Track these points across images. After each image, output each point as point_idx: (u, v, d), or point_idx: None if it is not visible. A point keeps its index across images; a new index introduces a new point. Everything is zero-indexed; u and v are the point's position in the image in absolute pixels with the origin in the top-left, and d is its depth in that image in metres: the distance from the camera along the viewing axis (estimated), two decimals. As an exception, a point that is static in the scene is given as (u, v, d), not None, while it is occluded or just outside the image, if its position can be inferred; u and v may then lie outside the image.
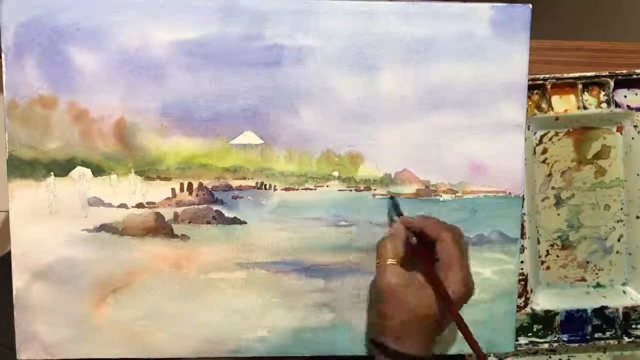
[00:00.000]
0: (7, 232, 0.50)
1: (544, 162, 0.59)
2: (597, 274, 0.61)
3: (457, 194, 0.52)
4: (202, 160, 0.51)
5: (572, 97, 0.59)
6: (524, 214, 0.58)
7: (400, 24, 0.50)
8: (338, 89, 0.51)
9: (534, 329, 0.59)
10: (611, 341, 0.59)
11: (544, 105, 0.58)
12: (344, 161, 0.52)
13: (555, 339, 0.59)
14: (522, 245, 0.57)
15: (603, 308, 0.59)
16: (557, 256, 0.60)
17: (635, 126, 0.59)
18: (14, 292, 0.50)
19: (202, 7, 0.49)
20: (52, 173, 0.50)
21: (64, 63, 0.49)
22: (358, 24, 0.50)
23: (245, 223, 0.52)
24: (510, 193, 0.53)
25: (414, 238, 0.46)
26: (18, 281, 0.50)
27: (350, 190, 0.52)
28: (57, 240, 0.50)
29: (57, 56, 0.49)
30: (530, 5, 0.51)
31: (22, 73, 0.49)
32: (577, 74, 0.58)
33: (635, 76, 0.58)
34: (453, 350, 0.53)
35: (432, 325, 0.44)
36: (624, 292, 0.61)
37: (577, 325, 0.59)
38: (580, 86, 0.58)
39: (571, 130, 0.59)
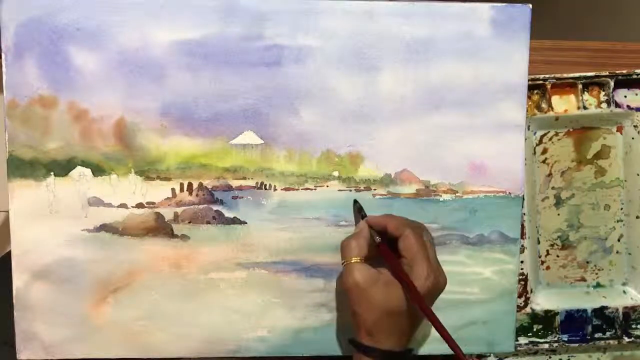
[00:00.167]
0: (7, 232, 0.50)
1: (544, 162, 0.59)
2: (597, 274, 0.61)
3: (457, 194, 0.52)
4: (202, 160, 0.51)
5: (572, 97, 0.59)
6: (524, 214, 0.58)
7: (400, 24, 0.50)
8: (338, 89, 0.51)
9: (534, 329, 0.59)
10: (611, 341, 0.59)
11: (544, 105, 0.58)
12: (344, 161, 0.52)
13: (555, 339, 0.59)
14: (522, 245, 0.57)
15: (603, 308, 0.59)
16: (557, 256, 0.60)
17: (635, 126, 0.59)
18: (14, 292, 0.50)
19: (202, 7, 0.49)
20: (52, 173, 0.50)
21: (64, 63, 0.49)
22: (358, 24, 0.50)
23: (245, 223, 0.52)
24: (510, 193, 0.53)
25: (377, 237, 0.46)
26: (18, 281, 0.50)
27: (350, 190, 0.52)
28: (57, 240, 0.50)
29: (57, 56, 0.49)
30: (530, 5, 0.51)
31: (22, 73, 0.49)
32: (577, 74, 0.58)
33: (635, 76, 0.58)
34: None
35: (405, 320, 0.44)
36: (624, 292, 0.61)
37: (577, 325, 0.59)
38: (580, 86, 0.58)
39: (571, 130, 0.59)
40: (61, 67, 0.49)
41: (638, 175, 0.59)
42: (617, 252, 0.60)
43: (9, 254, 0.50)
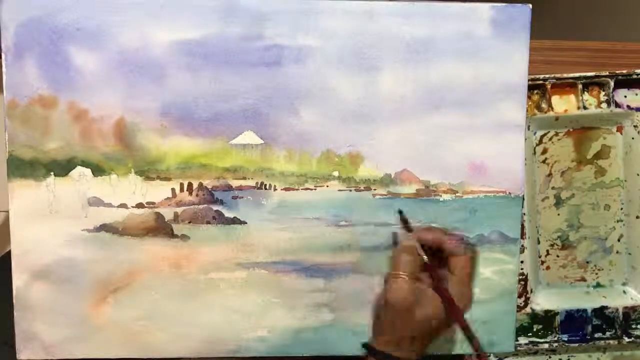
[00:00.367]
0: (7, 232, 0.50)
1: (544, 162, 0.59)
2: (597, 274, 0.61)
3: (457, 194, 0.52)
4: (202, 160, 0.51)
5: (572, 97, 0.59)
6: (524, 214, 0.58)
7: (400, 24, 0.50)
8: (338, 89, 0.51)
9: (534, 329, 0.59)
10: (611, 341, 0.59)
11: (544, 105, 0.58)
12: (344, 161, 0.52)
13: (555, 339, 0.59)
14: (522, 245, 0.57)
15: (603, 308, 0.59)
16: (557, 256, 0.60)
17: (635, 126, 0.59)
18: (14, 292, 0.50)
19: (202, 7, 0.49)
20: (52, 173, 0.50)
21: (64, 63, 0.49)
22: (358, 24, 0.50)
23: (245, 223, 0.52)
24: (510, 193, 0.53)
25: (425, 257, 0.46)
26: (18, 281, 0.50)
27: (350, 190, 0.52)
28: (57, 240, 0.50)
29: (57, 56, 0.49)
30: (530, 5, 0.51)
31: (22, 73, 0.49)
32: (577, 74, 0.58)
33: (635, 76, 0.58)
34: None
35: (432, 335, 0.45)
36: (624, 292, 0.61)
37: (577, 325, 0.59)
38: (580, 86, 0.58)
39: (571, 130, 0.59)
40: (61, 67, 0.49)
41: (638, 175, 0.59)
42: (617, 252, 0.60)
43: (9, 254, 0.50)
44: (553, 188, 0.60)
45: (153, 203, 0.51)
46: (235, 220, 0.52)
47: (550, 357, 0.60)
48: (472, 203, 0.53)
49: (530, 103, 0.58)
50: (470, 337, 0.44)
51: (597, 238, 0.60)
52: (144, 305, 0.51)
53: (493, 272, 0.53)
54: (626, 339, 0.59)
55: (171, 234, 0.51)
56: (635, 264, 0.60)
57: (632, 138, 0.59)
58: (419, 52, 0.51)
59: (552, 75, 0.57)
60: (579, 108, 0.58)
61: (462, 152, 0.52)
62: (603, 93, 0.59)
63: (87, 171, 0.50)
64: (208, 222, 0.52)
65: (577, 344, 0.59)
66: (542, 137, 0.59)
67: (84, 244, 0.51)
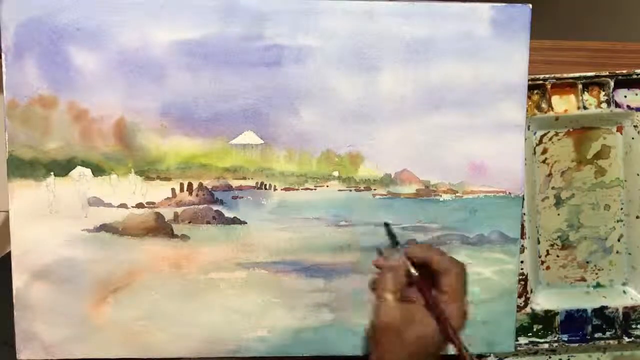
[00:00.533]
0: (7, 232, 0.50)
1: (544, 162, 0.59)
2: (597, 274, 0.61)
3: (457, 194, 0.52)
4: (202, 160, 0.51)
5: (572, 97, 0.59)
6: (524, 214, 0.58)
7: (400, 24, 0.50)
8: (338, 89, 0.51)
9: (534, 329, 0.59)
10: (611, 341, 0.59)
11: (544, 105, 0.58)
12: (344, 161, 0.52)
13: (555, 339, 0.59)
14: (522, 245, 0.57)
15: (603, 308, 0.59)
16: (557, 256, 0.60)
17: (635, 126, 0.59)
18: (14, 292, 0.50)
19: (202, 7, 0.49)
20: (52, 173, 0.50)
21: (64, 63, 0.49)
22: (358, 24, 0.50)
23: (245, 223, 0.52)
24: (510, 193, 0.53)
25: (416, 272, 0.44)
26: (18, 281, 0.50)
27: (350, 190, 0.52)
28: (57, 240, 0.50)
29: (57, 56, 0.49)
30: (530, 5, 0.51)
31: (22, 73, 0.49)
32: (577, 74, 0.58)
33: (635, 76, 0.58)
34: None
35: (429, 355, 0.43)
36: (624, 292, 0.61)
37: (577, 325, 0.59)
38: (580, 86, 0.58)
39: (571, 130, 0.59)
40: (61, 67, 0.49)
41: (638, 175, 0.59)
42: (617, 252, 0.60)
43: (9, 254, 0.50)
44: (553, 188, 0.60)
45: (153, 203, 0.51)
46: (235, 220, 0.52)
47: (550, 357, 0.60)
48: (472, 203, 0.53)
49: (530, 103, 0.58)
50: (462, 356, 0.42)
51: (597, 238, 0.60)
52: (144, 305, 0.51)
53: (493, 272, 0.53)
54: (626, 339, 0.59)
55: (171, 234, 0.51)
56: (635, 264, 0.60)
57: (632, 138, 0.59)
58: (419, 52, 0.51)
59: (552, 75, 0.57)
60: (579, 108, 0.58)
61: (462, 152, 0.52)
62: (603, 93, 0.59)
63: (87, 171, 0.50)
64: (208, 222, 0.52)
65: (577, 344, 0.59)
66: (542, 137, 0.59)
67: (84, 244, 0.51)
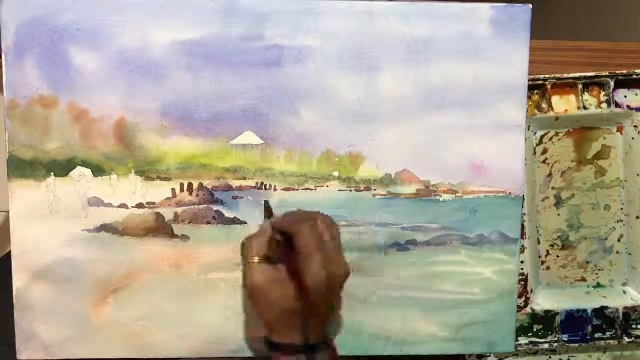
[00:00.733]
0: (7, 232, 0.50)
1: (544, 162, 0.59)
2: (597, 274, 0.61)
3: (457, 194, 0.52)
4: (202, 160, 0.51)
5: (572, 97, 0.59)
6: (524, 214, 0.58)
7: (400, 24, 0.50)
8: (338, 89, 0.51)
9: (534, 329, 0.59)
10: (611, 341, 0.59)
11: (544, 105, 0.58)
12: (344, 161, 0.52)
13: (555, 339, 0.59)
14: (522, 245, 0.57)
15: (603, 308, 0.59)
16: (557, 256, 0.60)
17: (635, 126, 0.59)
18: (14, 292, 0.50)
19: (202, 7, 0.49)
20: (52, 173, 0.50)
21: (64, 63, 0.49)
22: (358, 24, 0.50)
23: (245, 223, 0.52)
24: (510, 193, 0.53)
25: (277, 235, 0.46)
26: (18, 281, 0.50)
27: (350, 190, 0.52)
28: (57, 240, 0.50)
29: (57, 56, 0.49)
30: (530, 5, 0.51)
31: (22, 73, 0.49)
32: (577, 74, 0.58)
33: (635, 76, 0.58)
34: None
35: (303, 315, 0.44)
36: (624, 292, 0.61)
37: (577, 325, 0.59)
38: (580, 86, 0.58)
39: (571, 130, 0.59)
40: (61, 67, 0.49)
41: (638, 175, 0.59)
42: (617, 252, 0.60)
43: (9, 254, 0.50)
44: (553, 188, 0.60)
45: (153, 203, 0.51)
46: (235, 220, 0.52)
47: (550, 357, 0.60)
48: (472, 203, 0.53)
49: (530, 103, 0.58)
50: (315, 323, 0.43)
51: (597, 238, 0.60)
52: (143, 305, 0.51)
53: (493, 272, 0.53)
54: (626, 339, 0.59)
55: (171, 234, 0.51)
56: (635, 264, 0.60)
57: (632, 138, 0.59)
58: (419, 52, 0.51)
59: (552, 75, 0.57)
60: (579, 108, 0.58)
61: (462, 152, 0.52)
62: (603, 93, 0.59)
63: (87, 171, 0.50)
64: (208, 222, 0.52)
65: (577, 344, 0.59)
66: (542, 137, 0.59)
67: (84, 244, 0.51)
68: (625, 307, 0.59)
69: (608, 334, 0.59)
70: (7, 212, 0.50)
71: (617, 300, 0.60)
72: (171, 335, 0.52)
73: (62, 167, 0.50)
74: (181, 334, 0.52)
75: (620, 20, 1.14)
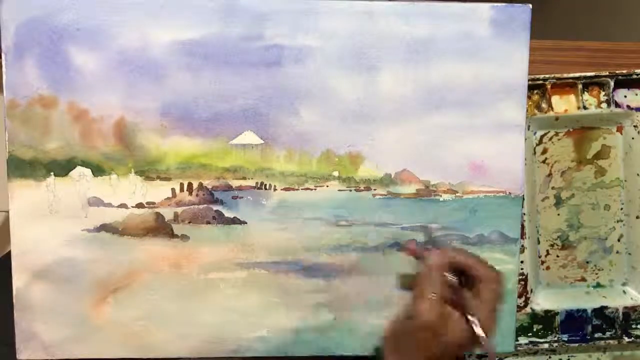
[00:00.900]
0: (7, 232, 0.50)
1: (544, 162, 0.59)
2: (597, 274, 0.61)
3: (457, 194, 0.52)
4: (202, 160, 0.51)
5: (572, 97, 0.59)
6: (524, 214, 0.58)
7: (400, 24, 0.50)
8: (338, 89, 0.51)
9: (534, 329, 0.59)
10: (611, 341, 0.59)
11: (544, 105, 0.58)
12: (344, 161, 0.52)
13: (555, 339, 0.59)
14: (522, 245, 0.57)
15: (603, 308, 0.59)
16: (557, 256, 0.60)
17: (635, 126, 0.59)
18: (14, 292, 0.50)
19: (202, 7, 0.49)
20: (52, 173, 0.50)
21: (64, 63, 0.49)
22: (358, 24, 0.50)
23: (245, 223, 0.52)
24: (510, 193, 0.53)
25: (455, 279, 0.44)
26: (18, 281, 0.50)
27: (350, 190, 0.52)
28: (57, 240, 0.50)
29: (57, 56, 0.49)
30: (530, 5, 0.51)
31: (22, 73, 0.49)
32: (577, 74, 0.58)
33: (635, 76, 0.58)
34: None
35: (455, 355, 0.43)
36: (624, 292, 0.61)
37: (577, 325, 0.59)
38: (580, 86, 0.58)
39: (571, 130, 0.59)
40: (61, 67, 0.49)
41: (638, 175, 0.59)
42: (617, 252, 0.60)
43: (9, 254, 0.50)
44: (553, 188, 0.60)
45: (153, 203, 0.51)
46: (235, 220, 0.52)
47: (550, 357, 0.60)
48: (472, 203, 0.53)
49: (530, 103, 0.58)
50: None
51: (597, 238, 0.60)
52: (143, 305, 0.51)
53: (493, 272, 0.53)
54: (626, 339, 0.59)
55: (171, 234, 0.51)
56: (635, 264, 0.60)
57: (632, 138, 0.59)
58: (419, 52, 0.51)
59: (552, 75, 0.57)
60: (579, 108, 0.58)
61: (462, 152, 0.52)
62: (603, 93, 0.59)
63: (87, 171, 0.50)
64: (208, 222, 0.52)
65: (577, 344, 0.59)
66: (542, 137, 0.59)
67: (84, 244, 0.51)
68: (625, 307, 0.59)
69: (608, 334, 0.59)
70: (7, 212, 0.50)
71: (617, 300, 0.60)
72: (171, 335, 0.52)
73: (62, 167, 0.50)
74: (181, 334, 0.52)
75: (620, 20, 1.14)
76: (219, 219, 0.52)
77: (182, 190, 0.51)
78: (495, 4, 0.51)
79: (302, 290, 0.52)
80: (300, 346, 0.53)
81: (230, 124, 0.51)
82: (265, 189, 0.52)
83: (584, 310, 0.59)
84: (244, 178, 0.52)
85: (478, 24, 0.51)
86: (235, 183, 0.51)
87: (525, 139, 0.53)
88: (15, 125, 0.49)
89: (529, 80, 0.52)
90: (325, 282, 0.52)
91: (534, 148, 0.59)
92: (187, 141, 0.51)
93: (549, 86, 0.58)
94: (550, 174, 0.60)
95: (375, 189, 0.52)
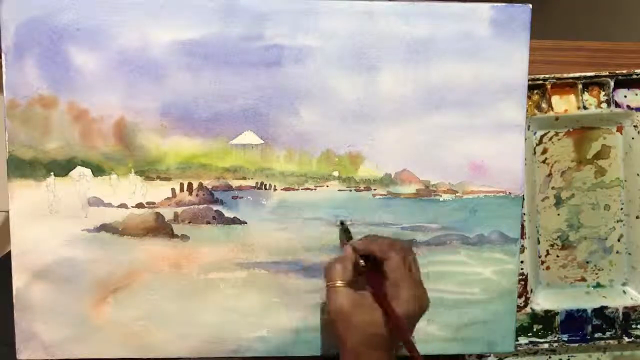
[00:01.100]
0: (7, 232, 0.50)
1: (544, 162, 0.59)
2: (597, 274, 0.61)
3: (457, 194, 0.52)
4: (202, 160, 0.51)
5: (572, 97, 0.59)
6: (524, 214, 0.58)
7: (400, 24, 0.50)
8: (338, 89, 0.51)
9: (534, 329, 0.59)
10: (611, 341, 0.59)
11: (544, 105, 0.58)
12: (344, 161, 0.52)
13: (555, 339, 0.59)
14: (522, 245, 0.57)
15: (603, 308, 0.59)
16: (557, 256, 0.60)
17: (635, 126, 0.59)
18: (14, 292, 0.50)
19: (202, 7, 0.49)
20: (52, 173, 0.50)
21: (64, 63, 0.49)
22: (358, 24, 0.50)
23: (245, 223, 0.52)
24: (510, 193, 0.53)
25: (362, 261, 0.46)
26: (18, 281, 0.50)
27: (350, 190, 0.52)
28: (57, 240, 0.50)
29: (57, 56, 0.49)
30: (530, 5, 0.51)
31: (22, 73, 0.49)
32: (577, 74, 0.58)
33: (635, 76, 0.58)
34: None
35: (388, 341, 0.43)
36: (624, 292, 0.61)
37: (577, 325, 0.59)
38: (580, 86, 0.58)
39: (571, 130, 0.59)
40: (61, 67, 0.49)
41: (638, 175, 0.59)
42: (617, 252, 0.60)
43: (9, 254, 0.50)
44: (553, 188, 0.60)
45: (153, 203, 0.51)
46: (235, 220, 0.52)
47: (550, 357, 0.60)
48: (472, 203, 0.53)
49: (530, 103, 0.58)
50: (410, 350, 0.42)
51: (597, 238, 0.60)
52: (143, 305, 0.51)
53: (493, 272, 0.53)
54: (626, 339, 0.59)
55: (171, 234, 0.51)
56: (635, 264, 0.60)
57: (632, 138, 0.59)
58: (419, 52, 0.51)
59: (552, 75, 0.57)
60: (579, 108, 0.58)
61: (462, 152, 0.52)
62: (603, 93, 0.59)
63: (87, 171, 0.50)
64: (208, 222, 0.52)
65: (577, 344, 0.59)
66: (542, 137, 0.59)
67: (84, 244, 0.51)
68: (625, 307, 0.59)
69: (608, 334, 0.59)
70: (7, 212, 0.50)
71: (617, 300, 0.60)
72: (171, 335, 0.52)
73: (62, 167, 0.50)
74: (181, 334, 0.52)
75: (620, 20, 1.14)
76: (219, 219, 0.52)
77: (182, 190, 0.51)
78: (495, 4, 0.51)
79: (302, 290, 0.52)
80: (300, 346, 0.53)
81: (230, 124, 0.51)
82: (265, 189, 0.52)
83: (584, 310, 0.59)
84: (244, 178, 0.52)
85: (478, 24, 0.51)
86: (235, 183, 0.51)
87: (525, 139, 0.53)
88: (15, 125, 0.49)
89: (529, 80, 0.52)
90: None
91: (534, 148, 0.59)
92: (187, 141, 0.51)
93: (549, 86, 0.58)
94: (550, 174, 0.60)
95: (375, 189, 0.52)
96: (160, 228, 0.51)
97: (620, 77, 0.58)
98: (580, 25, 1.28)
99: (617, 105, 0.58)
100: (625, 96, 0.59)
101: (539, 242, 0.60)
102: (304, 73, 0.50)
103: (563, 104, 0.58)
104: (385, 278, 0.44)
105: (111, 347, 0.51)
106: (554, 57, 0.61)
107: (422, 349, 0.53)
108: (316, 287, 0.52)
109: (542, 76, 0.57)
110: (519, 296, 0.58)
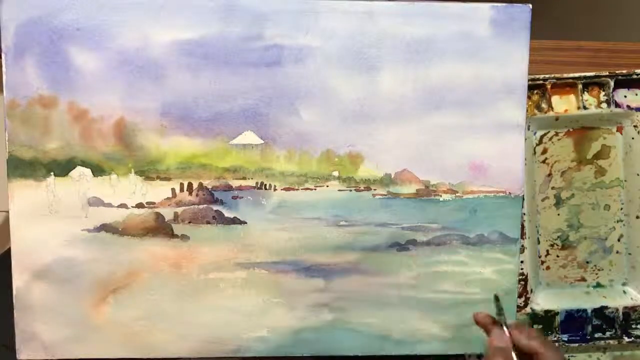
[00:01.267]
0: (7, 232, 0.50)
1: (544, 162, 0.59)
2: (597, 274, 0.61)
3: (457, 194, 0.52)
4: (202, 160, 0.51)
5: (572, 97, 0.59)
6: (524, 214, 0.58)
7: (400, 24, 0.50)
8: (338, 89, 0.51)
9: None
10: (611, 341, 0.59)
11: (544, 105, 0.58)
12: (344, 161, 0.52)
13: (555, 339, 0.59)
14: (522, 245, 0.57)
15: (603, 308, 0.59)
16: (557, 256, 0.60)
17: (635, 126, 0.59)
18: (14, 292, 0.50)
19: (202, 7, 0.49)
20: (52, 173, 0.50)
21: (64, 63, 0.49)
22: (358, 24, 0.50)
23: (245, 223, 0.52)
24: (510, 193, 0.53)
25: (514, 353, 0.44)
26: (18, 281, 0.50)
27: (350, 190, 0.52)
28: (57, 240, 0.50)
29: (57, 56, 0.49)
30: (530, 5, 0.51)
31: (22, 73, 0.49)
32: (577, 74, 0.58)
33: (635, 76, 0.58)
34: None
35: None
36: (624, 292, 0.61)
37: (577, 325, 0.59)
38: (580, 86, 0.58)
39: (571, 130, 0.59)
40: (61, 67, 0.49)
41: (638, 175, 0.59)
42: (617, 252, 0.60)
43: (9, 253, 0.50)
44: (553, 188, 0.60)
45: (153, 203, 0.51)
46: (235, 220, 0.52)
47: (550, 357, 0.60)
48: (472, 203, 0.53)
49: (530, 103, 0.58)
50: None
51: (597, 238, 0.60)
52: (143, 305, 0.51)
53: (493, 272, 0.53)
54: (626, 339, 0.59)
55: (171, 234, 0.51)
56: (635, 264, 0.60)
57: (632, 138, 0.59)
58: (419, 52, 0.51)
59: (552, 75, 0.57)
60: (579, 108, 0.58)
61: (462, 152, 0.52)
62: (603, 93, 0.59)
63: (87, 171, 0.50)
64: (208, 222, 0.52)
65: (577, 344, 0.59)
66: (542, 137, 0.59)
67: (84, 244, 0.51)
68: (625, 307, 0.59)
69: (608, 334, 0.59)
70: (7, 212, 0.50)
71: (617, 300, 0.60)
72: (171, 336, 0.52)
73: (62, 167, 0.50)
74: (181, 334, 0.52)
75: (620, 20, 1.14)
76: (219, 219, 0.52)
77: (182, 190, 0.51)
78: (495, 4, 0.51)
79: (302, 290, 0.52)
80: (300, 346, 0.53)
81: (230, 124, 0.51)
82: (265, 189, 0.52)
83: (584, 310, 0.59)
84: (244, 178, 0.52)
85: (478, 24, 0.51)
86: (235, 183, 0.51)
87: (525, 139, 0.53)
88: (15, 125, 0.49)
89: (529, 80, 0.52)
90: (325, 282, 0.52)
91: (534, 148, 0.59)
92: (187, 141, 0.51)
93: (549, 86, 0.58)
94: (550, 174, 0.60)
95: (375, 189, 0.52)
96: (160, 228, 0.51)
97: (620, 77, 0.58)
98: (580, 25, 1.27)
99: (617, 105, 0.58)
100: (625, 96, 0.59)
101: (539, 242, 0.60)
102: (304, 73, 0.50)
103: (563, 104, 0.58)
104: None
105: (111, 347, 0.51)
106: (554, 57, 0.61)
107: (422, 349, 0.53)
108: (316, 287, 0.52)
109: (542, 76, 0.57)
110: (519, 296, 0.58)
